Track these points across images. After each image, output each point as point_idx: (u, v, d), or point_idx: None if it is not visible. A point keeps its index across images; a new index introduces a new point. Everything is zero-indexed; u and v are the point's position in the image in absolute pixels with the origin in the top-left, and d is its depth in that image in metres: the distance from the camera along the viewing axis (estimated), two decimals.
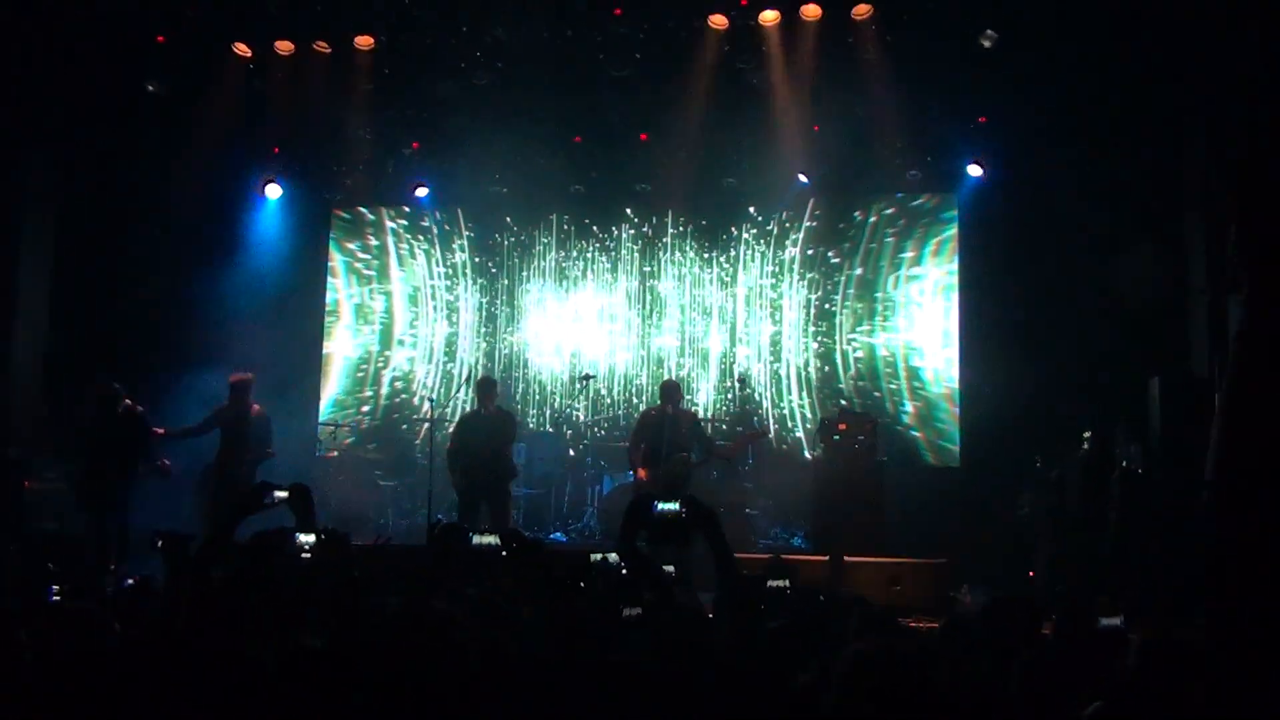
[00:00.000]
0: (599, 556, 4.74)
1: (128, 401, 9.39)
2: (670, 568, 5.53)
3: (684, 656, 3.76)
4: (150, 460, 9.36)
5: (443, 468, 9.89)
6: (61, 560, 8.84)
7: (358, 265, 13.66)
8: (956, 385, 12.04)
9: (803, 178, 12.10)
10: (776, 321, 12.73)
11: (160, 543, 4.66)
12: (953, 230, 12.32)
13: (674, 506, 3.84)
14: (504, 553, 4.48)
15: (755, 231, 12.90)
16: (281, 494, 4.42)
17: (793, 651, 3.94)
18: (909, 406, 12.23)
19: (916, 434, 12.15)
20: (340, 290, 13.61)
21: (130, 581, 6.02)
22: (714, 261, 13.00)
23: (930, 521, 10.33)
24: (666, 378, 11.52)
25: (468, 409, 11.12)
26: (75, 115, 11.59)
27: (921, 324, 12.34)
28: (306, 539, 4.57)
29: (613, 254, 13.21)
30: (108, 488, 9.08)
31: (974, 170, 11.73)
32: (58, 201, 12.27)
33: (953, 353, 12.13)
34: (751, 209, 12.88)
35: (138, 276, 12.14)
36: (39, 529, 9.90)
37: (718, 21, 10.79)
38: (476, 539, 4.56)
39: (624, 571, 4.28)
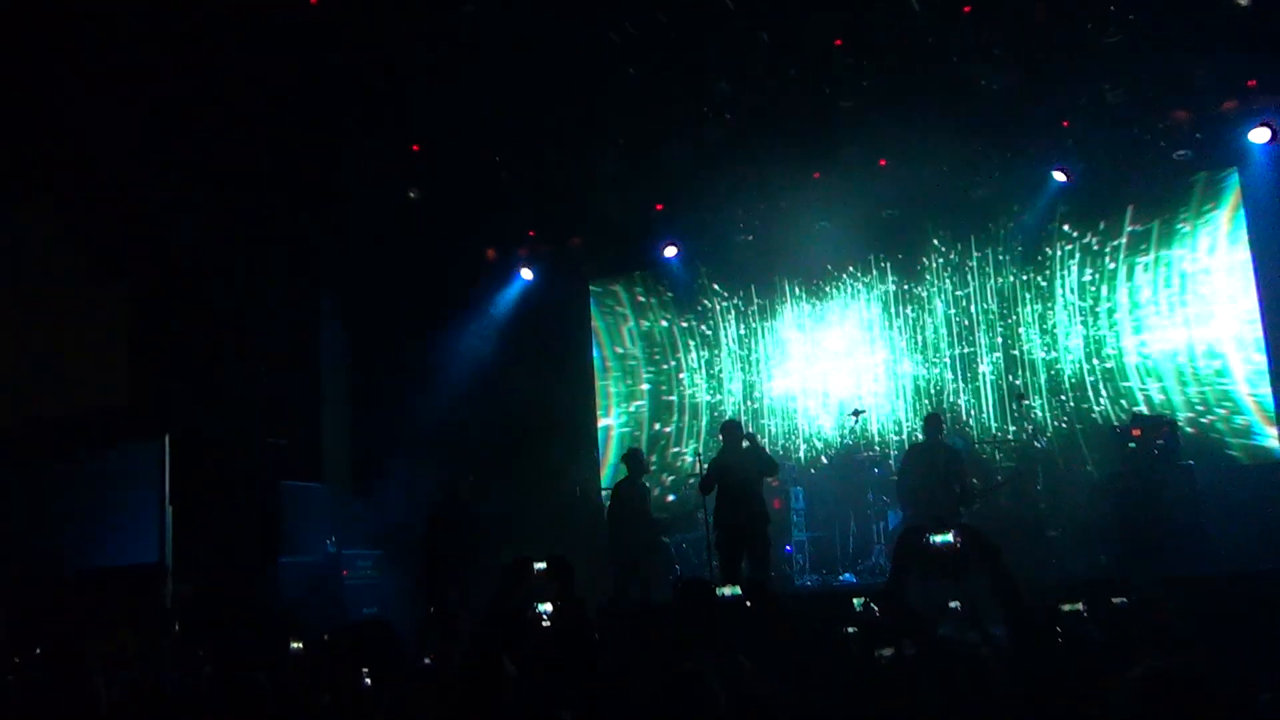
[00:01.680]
0: (861, 601, 4.62)
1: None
2: (955, 603, 5.36)
3: (957, 699, 3.62)
4: None
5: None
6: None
7: (623, 338, 14.19)
8: (1267, 372, 10.96)
9: (1060, 175, 11.49)
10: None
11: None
12: (1238, 208, 11.31)
13: (948, 538, 3.70)
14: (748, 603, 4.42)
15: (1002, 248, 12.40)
16: (541, 565, 4.54)
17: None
18: (1213, 402, 11.24)
19: (1222, 431, 11.14)
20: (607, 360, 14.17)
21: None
22: (969, 277, 12.57)
23: (1260, 526, 9.39)
24: (931, 411, 11.17)
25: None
26: (354, 230, 12.67)
27: (1214, 313, 11.37)
28: (545, 608, 4.68)
29: (880, 284, 13.05)
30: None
31: (1259, 135, 10.69)
32: (353, 307, 13.42)
33: (1255, 333, 11.08)
34: (992, 226, 12.38)
35: (427, 377, 13.05)
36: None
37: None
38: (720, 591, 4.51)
39: (878, 614, 4.17)
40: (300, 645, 6.38)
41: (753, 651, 4.02)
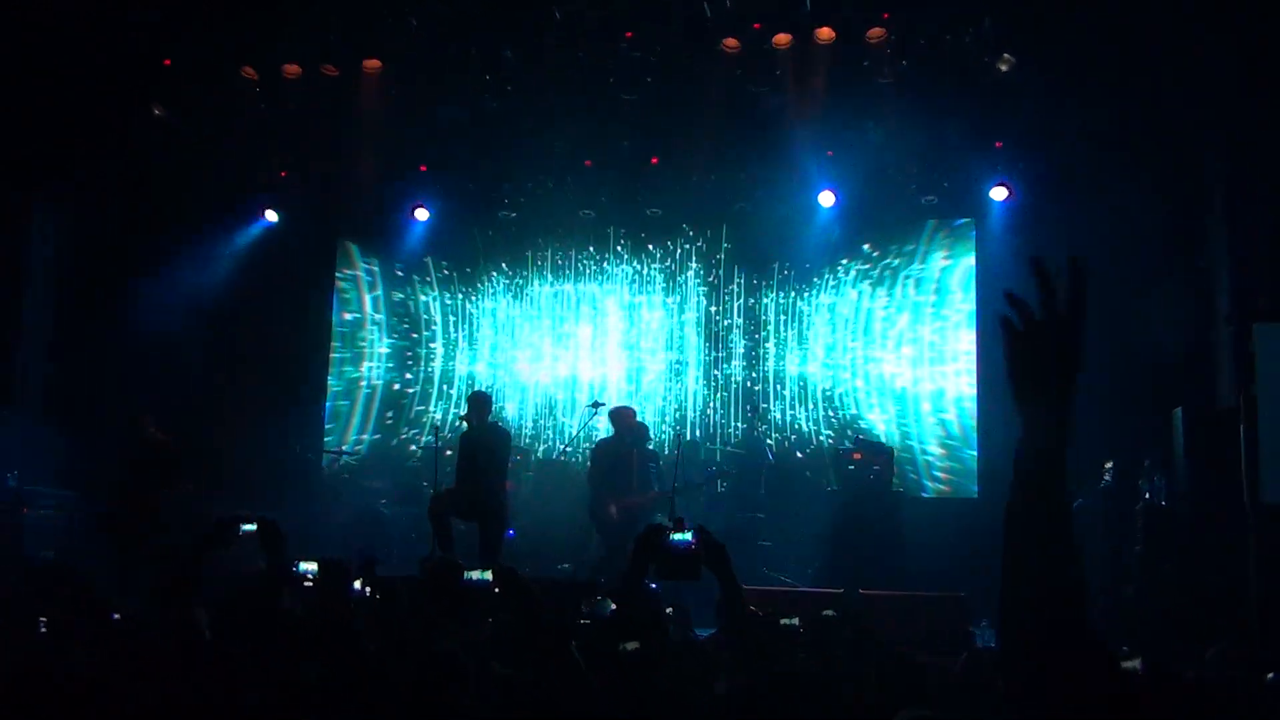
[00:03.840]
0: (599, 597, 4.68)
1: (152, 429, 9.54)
2: (670, 609, 5.50)
3: (686, 696, 3.71)
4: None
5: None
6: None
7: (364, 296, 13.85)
8: (974, 418, 11.94)
9: (827, 198, 11.98)
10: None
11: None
12: (970, 258, 12.25)
13: (688, 538, 3.75)
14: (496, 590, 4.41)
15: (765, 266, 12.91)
16: (249, 527, 4.36)
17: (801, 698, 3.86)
18: (926, 437, 12.15)
19: (934, 464, 12.06)
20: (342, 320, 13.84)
21: None
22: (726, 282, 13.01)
23: (948, 555, 10.19)
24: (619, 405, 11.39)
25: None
26: (80, 143, 11.66)
27: (939, 353, 12.26)
28: (309, 567, 4.47)
29: (617, 279, 13.27)
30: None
31: (998, 194, 11.61)
32: (63, 226, 12.40)
33: (970, 382, 12.03)
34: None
35: (139, 301, 12.21)
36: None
37: (730, 44, 10.78)
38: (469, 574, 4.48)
39: (615, 609, 4.23)
40: None
41: (499, 638, 4.00)
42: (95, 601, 8.65)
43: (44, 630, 5.44)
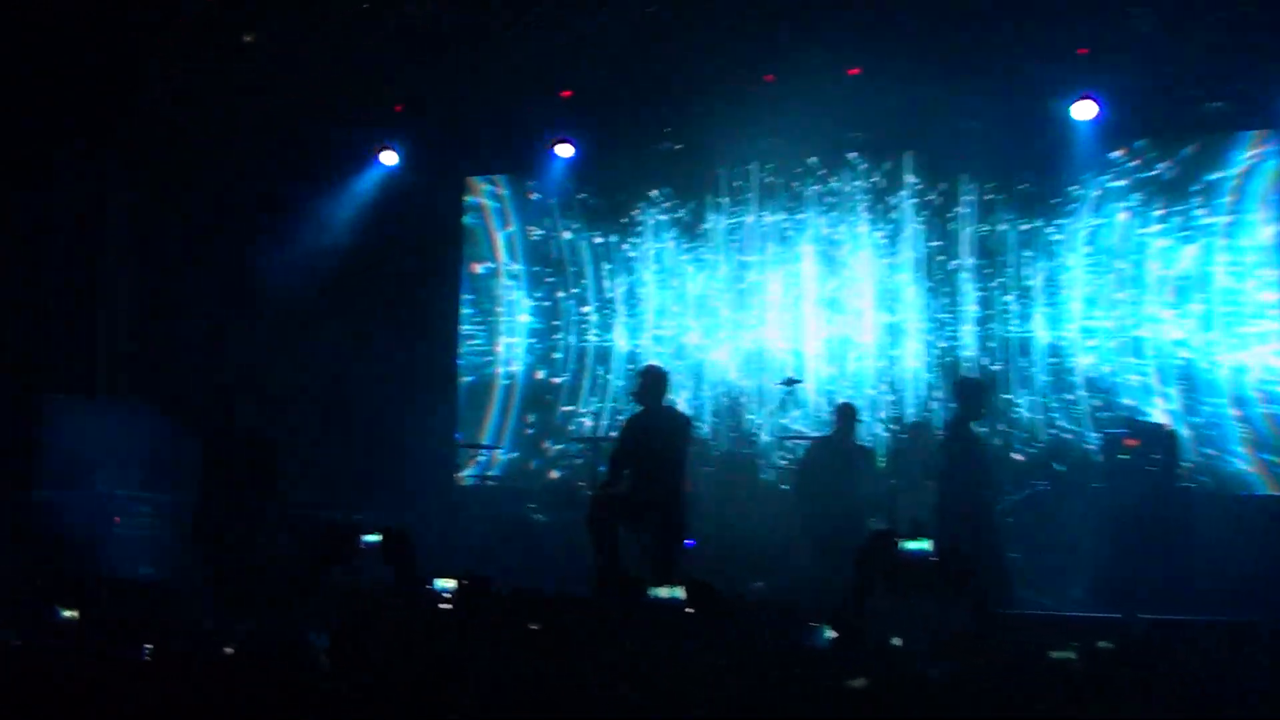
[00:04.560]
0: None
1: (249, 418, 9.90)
2: (897, 639, 5.49)
3: None
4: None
5: None
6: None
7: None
8: None
9: (1085, 109, 11.74)
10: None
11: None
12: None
13: (925, 547, 3.79)
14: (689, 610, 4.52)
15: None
16: (373, 538, 4.41)
17: None
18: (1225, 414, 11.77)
19: (1241, 452, 11.67)
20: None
21: None
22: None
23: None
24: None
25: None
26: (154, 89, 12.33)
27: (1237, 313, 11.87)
28: (447, 585, 4.63)
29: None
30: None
31: None
32: (140, 185, 13.21)
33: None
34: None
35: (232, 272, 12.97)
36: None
37: None
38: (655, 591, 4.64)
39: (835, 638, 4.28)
40: (75, 614, 6.29)
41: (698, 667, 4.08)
42: (200, 628, 9.17)
43: (148, 658, 5.88)
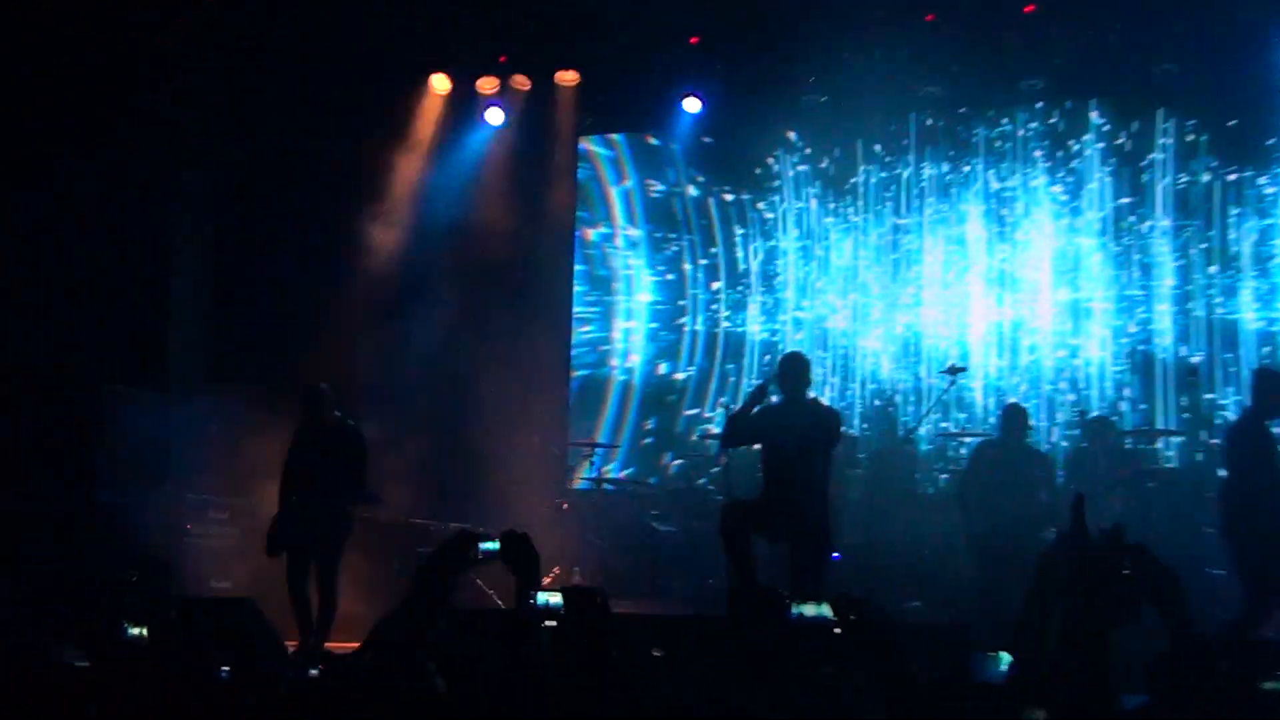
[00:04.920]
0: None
1: (337, 413, 9.92)
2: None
3: None
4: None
5: None
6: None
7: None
8: None
9: None
10: None
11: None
12: None
13: None
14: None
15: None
16: (490, 545, 4.54)
17: None
18: None
19: None
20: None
21: None
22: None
23: None
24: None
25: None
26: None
27: None
28: (552, 598, 4.66)
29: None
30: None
31: None
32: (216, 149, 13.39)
33: None
34: None
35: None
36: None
37: None
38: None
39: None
40: (144, 631, 6.34)
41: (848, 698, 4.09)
42: (280, 648, 9.19)
43: (225, 680, 5.91)
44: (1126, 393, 12.42)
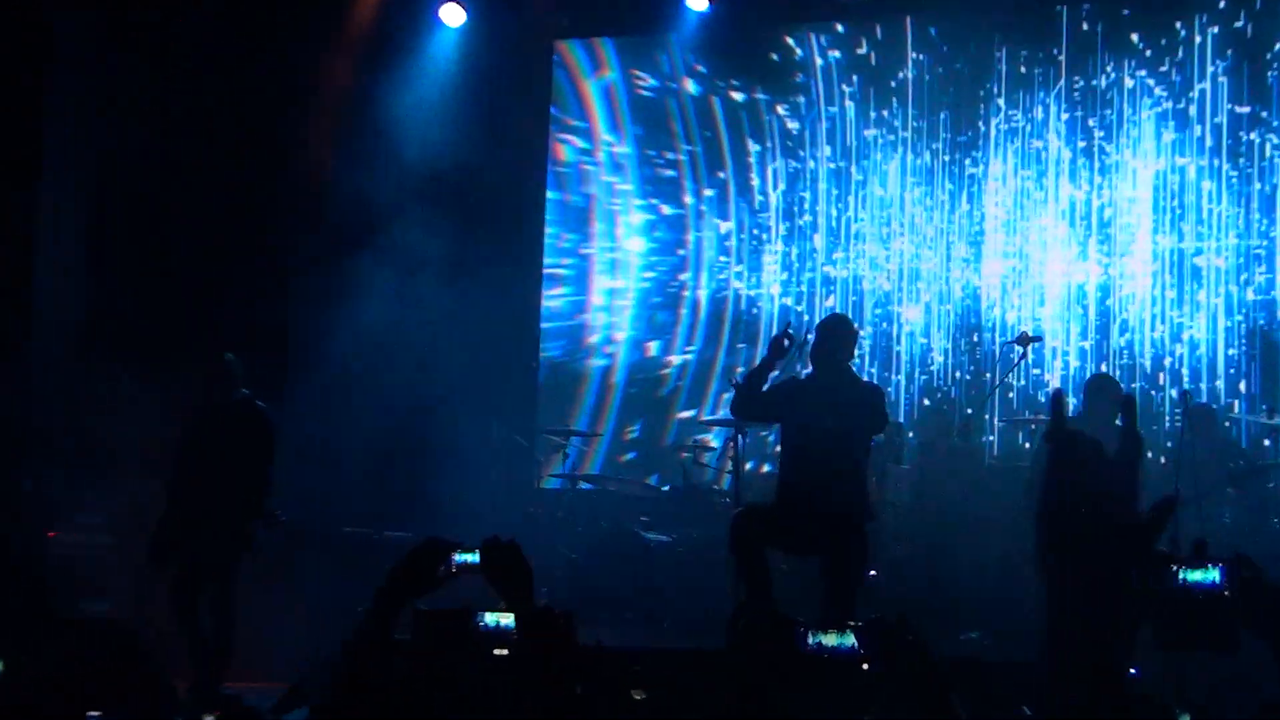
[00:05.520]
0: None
1: (245, 391, 9.83)
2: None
3: None
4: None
5: None
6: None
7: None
8: None
9: None
10: None
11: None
12: None
13: (1213, 578, 4.10)
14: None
15: None
16: (467, 558, 4.53)
17: None
18: None
19: None
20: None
21: None
22: None
23: None
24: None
25: None
26: None
27: None
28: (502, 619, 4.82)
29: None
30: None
31: None
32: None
33: None
34: None
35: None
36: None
37: None
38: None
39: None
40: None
41: None
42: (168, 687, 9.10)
43: None
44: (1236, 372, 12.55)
